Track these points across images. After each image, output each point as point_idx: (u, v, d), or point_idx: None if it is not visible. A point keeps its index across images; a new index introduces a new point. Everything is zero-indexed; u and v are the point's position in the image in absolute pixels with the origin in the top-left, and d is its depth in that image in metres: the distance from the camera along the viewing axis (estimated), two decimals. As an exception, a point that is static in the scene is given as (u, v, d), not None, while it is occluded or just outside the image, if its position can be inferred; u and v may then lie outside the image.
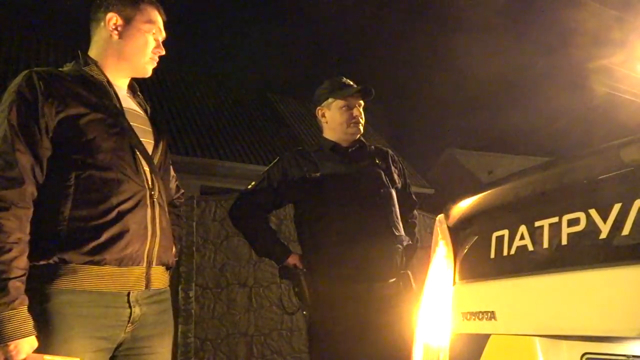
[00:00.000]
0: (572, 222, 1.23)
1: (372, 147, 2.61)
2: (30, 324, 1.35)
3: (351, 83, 2.51)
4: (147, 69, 1.75)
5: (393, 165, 2.59)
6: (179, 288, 5.60)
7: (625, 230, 1.11)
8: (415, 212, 2.72)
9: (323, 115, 2.54)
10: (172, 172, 1.97)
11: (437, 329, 1.55)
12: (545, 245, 1.29)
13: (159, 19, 1.74)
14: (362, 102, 2.51)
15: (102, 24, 1.67)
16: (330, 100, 2.49)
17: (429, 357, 1.56)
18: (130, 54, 1.69)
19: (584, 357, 1.14)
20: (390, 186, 2.47)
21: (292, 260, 2.39)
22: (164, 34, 1.76)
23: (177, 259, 1.88)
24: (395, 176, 2.56)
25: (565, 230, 1.24)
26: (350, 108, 2.45)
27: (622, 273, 1.08)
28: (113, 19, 1.66)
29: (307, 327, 2.40)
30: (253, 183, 2.54)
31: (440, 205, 1.77)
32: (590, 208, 1.19)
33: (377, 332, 2.23)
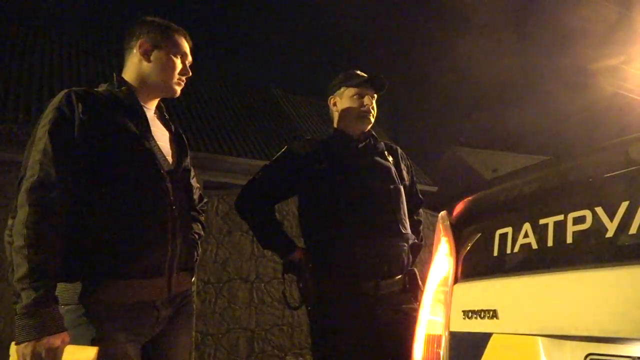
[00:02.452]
0: (578, 220, 1.21)
1: (382, 143, 2.56)
2: (62, 320, 1.45)
3: (365, 75, 2.48)
4: (175, 90, 1.87)
5: (402, 162, 2.56)
6: (181, 282, 5.60)
7: (633, 229, 1.09)
8: (420, 210, 2.70)
9: (334, 105, 2.51)
10: (196, 184, 2.10)
11: (438, 327, 1.53)
12: (550, 243, 1.27)
13: (185, 45, 1.88)
14: (375, 94, 2.48)
15: (135, 50, 1.81)
16: (342, 89, 2.47)
17: (429, 356, 1.55)
18: (158, 77, 1.81)
19: (588, 358, 1.12)
20: (399, 182, 2.44)
21: (297, 254, 2.35)
22: (190, 58, 1.90)
23: (197, 262, 2.02)
24: (404, 173, 2.53)
25: (571, 229, 1.22)
26: (361, 97, 2.42)
27: (629, 273, 1.06)
28: (144, 45, 1.80)
29: (310, 322, 2.37)
30: (260, 172, 2.50)
31: (444, 203, 1.75)
32: (597, 206, 1.17)
33: (383, 329, 2.21)
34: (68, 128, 1.57)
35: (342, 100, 2.47)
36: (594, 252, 1.16)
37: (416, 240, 2.46)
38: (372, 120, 2.47)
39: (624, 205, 1.11)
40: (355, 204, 2.27)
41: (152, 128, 1.80)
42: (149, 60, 1.81)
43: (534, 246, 1.31)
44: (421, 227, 2.63)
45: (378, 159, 2.45)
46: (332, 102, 2.52)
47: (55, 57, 10.85)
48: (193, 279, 1.96)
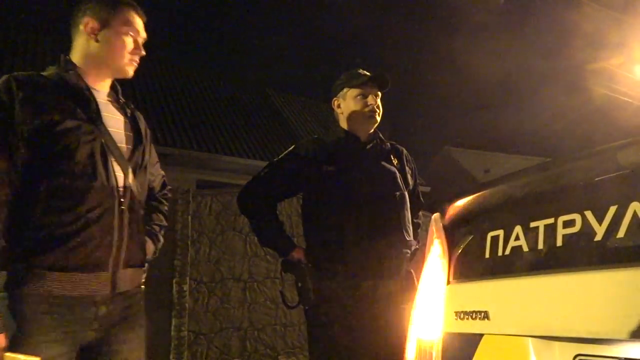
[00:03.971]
0: (568, 224, 1.23)
1: (388, 144, 2.55)
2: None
3: (367, 73, 2.45)
4: (126, 71, 1.75)
5: (407, 165, 2.55)
6: (173, 282, 5.59)
7: (621, 233, 1.11)
8: (420, 213, 2.70)
9: (338, 106, 2.49)
10: (160, 171, 2.01)
11: (431, 328, 1.55)
12: (541, 246, 1.29)
13: (137, 20, 1.75)
14: (378, 92, 2.45)
15: (81, 28, 1.69)
16: (345, 90, 2.44)
17: (422, 356, 1.56)
18: (108, 57, 1.70)
19: (577, 359, 1.14)
20: (404, 188, 2.44)
21: (297, 254, 2.35)
22: (143, 35, 1.77)
23: (156, 255, 1.94)
24: (409, 177, 2.52)
25: (561, 232, 1.24)
26: (365, 96, 2.39)
27: (616, 275, 1.08)
28: (90, 23, 1.67)
29: (307, 322, 2.37)
30: (265, 170, 2.48)
31: (436, 203, 1.76)
32: (586, 210, 1.19)
33: (380, 329, 2.22)
34: (6, 117, 1.49)
35: (345, 101, 2.44)
36: (583, 255, 1.18)
37: (417, 247, 2.47)
38: (378, 119, 2.44)
39: (613, 209, 1.14)
40: (362, 208, 2.27)
41: (103, 113, 1.68)
42: (96, 40, 1.68)
43: (525, 249, 1.33)
44: (419, 230, 2.64)
45: (384, 163, 2.43)
46: (336, 104, 2.50)
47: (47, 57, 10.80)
48: (144, 278, 1.86)
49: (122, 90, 1.83)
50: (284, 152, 2.48)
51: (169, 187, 2.09)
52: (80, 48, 1.70)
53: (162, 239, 1.96)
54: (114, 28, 1.69)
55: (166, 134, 10.84)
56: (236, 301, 5.98)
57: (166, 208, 2.05)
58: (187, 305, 5.62)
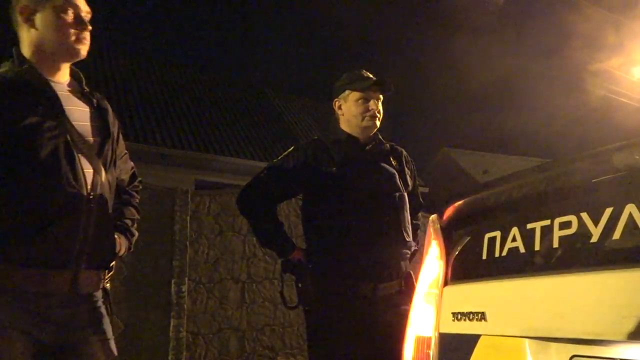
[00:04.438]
0: (564, 225, 1.24)
1: (388, 145, 2.55)
2: None
3: (370, 76, 2.44)
4: (77, 50, 1.62)
5: (406, 166, 2.55)
6: (172, 282, 5.59)
7: (616, 235, 1.12)
8: (419, 214, 2.70)
9: (339, 108, 2.48)
10: (130, 162, 1.95)
11: (428, 328, 1.56)
12: (537, 247, 1.30)
13: None
14: (380, 96, 2.44)
15: (18, 18, 1.60)
16: (347, 92, 2.43)
17: (419, 357, 1.57)
18: (50, 41, 1.59)
19: (573, 359, 1.15)
20: (404, 189, 2.44)
21: (296, 255, 2.35)
22: (85, 8, 1.65)
23: (130, 250, 1.87)
24: (408, 178, 2.52)
25: (557, 233, 1.25)
26: (367, 101, 2.38)
27: (612, 277, 1.09)
28: (24, 11, 1.58)
29: (307, 323, 2.37)
30: (264, 171, 2.47)
31: (435, 203, 1.77)
32: (582, 211, 1.20)
33: (379, 330, 2.22)
34: None
35: (347, 103, 2.44)
36: (579, 256, 1.19)
37: (416, 248, 2.47)
38: (378, 124, 2.44)
39: (608, 211, 1.14)
40: (362, 209, 2.27)
41: (66, 107, 1.60)
42: (34, 27, 1.57)
43: (522, 250, 1.34)
44: (418, 231, 2.64)
45: (383, 164, 2.43)
46: (337, 105, 2.49)
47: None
48: (107, 278, 1.74)
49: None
50: (284, 154, 2.48)
51: (139, 179, 2.03)
52: (25, 40, 1.61)
53: (136, 233, 1.89)
54: (48, 9, 1.57)
55: (165, 134, 10.85)
56: (235, 302, 5.99)
57: (137, 201, 1.98)
58: (185, 305, 5.62)
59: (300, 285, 2.29)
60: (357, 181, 2.32)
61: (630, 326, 1.01)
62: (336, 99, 2.49)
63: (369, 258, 2.23)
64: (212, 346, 5.74)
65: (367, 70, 2.47)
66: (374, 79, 2.42)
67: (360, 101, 2.39)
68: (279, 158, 2.49)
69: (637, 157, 1.10)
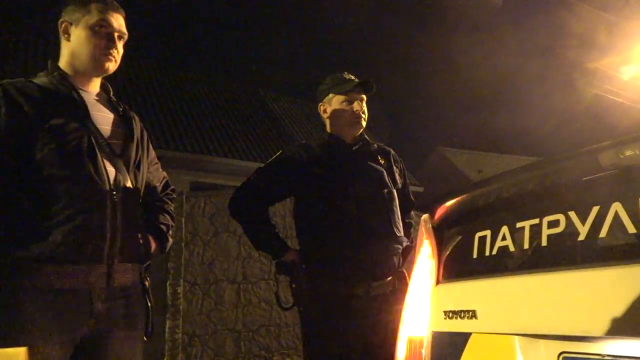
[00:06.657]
0: (552, 224, 1.25)
1: (375, 145, 2.59)
2: None
3: (352, 78, 2.49)
4: (104, 66, 1.75)
5: (395, 165, 2.58)
6: (167, 284, 5.59)
7: (603, 233, 1.14)
8: (412, 212, 2.72)
9: (325, 112, 2.52)
10: (162, 172, 2.04)
11: (420, 327, 1.58)
12: (526, 246, 1.31)
13: (109, 16, 1.75)
14: (364, 96, 2.48)
15: (60, 32, 1.75)
16: (330, 95, 2.48)
17: (411, 355, 1.59)
18: (80, 54, 1.72)
19: (561, 356, 1.16)
20: (392, 186, 2.47)
21: (290, 256, 2.37)
22: (119, 30, 1.77)
23: (163, 253, 1.94)
24: (397, 176, 2.55)
25: (545, 232, 1.27)
26: (350, 103, 2.43)
27: (599, 274, 1.11)
28: (63, 24, 1.73)
29: (302, 323, 2.39)
30: (254, 175, 2.50)
31: (430, 203, 1.79)
32: (570, 210, 1.22)
33: (373, 329, 2.24)
34: None
35: (331, 107, 2.49)
36: (567, 254, 1.20)
37: (409, 243, 2.49)
38: (364, 124, 2.49)
39: (595, 209, 1.16)
40: (350, 208, 2.29)
41: (92, 112, 1.71)
42: (69, 40, 1.73)
43: (511, 249, 1.36)
44: (412, 229, 2.66)
45: (371, 163, 2.46)
46: (322, 108, 2.54)
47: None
48: (145, 276, 1.82)
49: (113, 92, 1.87)
50: (273, 157, 2.52)
51: (172, 187, 2.11)
52: (63, 51, 1.76)
53: (170, 239, 1.97)
54: (82, 25, 1.71)
55: (159, 135, 10.83)
56: (230, 303, 5.99)
57: (172, 208, 2.06)
58: (181, 307, 5.62)
59: (294, 286, 2.31)
60: (345, 180, 2.34)
61: (617, 323, 1.03)
62: (321, 104, 2.54)
63: (362, 256, 2.25)
64: (208, 347, 5.74)
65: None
66: (357, 80, 2.47)
67: (344, 103, 2.45)
68: (268, 161, 2.52)
69: (622, 155, 1.12)
